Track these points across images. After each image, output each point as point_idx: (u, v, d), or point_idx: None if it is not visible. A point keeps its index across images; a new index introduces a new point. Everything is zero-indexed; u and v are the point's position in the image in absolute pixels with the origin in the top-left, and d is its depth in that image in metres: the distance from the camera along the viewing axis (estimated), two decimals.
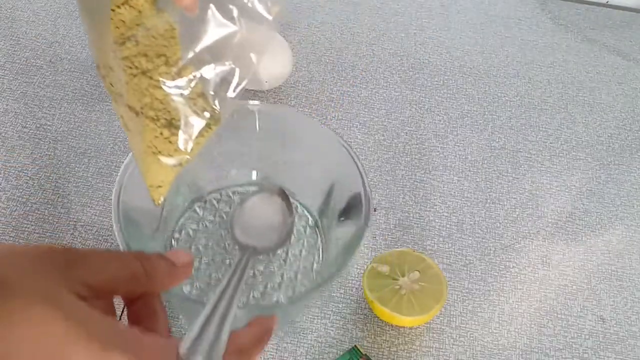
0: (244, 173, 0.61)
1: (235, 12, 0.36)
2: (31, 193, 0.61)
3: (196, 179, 0.58)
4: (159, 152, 0.39)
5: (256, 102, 0.57)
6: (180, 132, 0.38)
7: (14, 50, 0.74)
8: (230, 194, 0.60)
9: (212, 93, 0.38)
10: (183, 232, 0.57)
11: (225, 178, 0.60)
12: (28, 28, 0.76)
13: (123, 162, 0.50)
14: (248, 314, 0.46)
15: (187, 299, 0.45)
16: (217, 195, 0.60)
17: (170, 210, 0.57)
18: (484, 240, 0.62)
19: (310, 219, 0.59)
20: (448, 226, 0.63)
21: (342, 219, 0.54)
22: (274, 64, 0.67)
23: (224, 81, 0.38)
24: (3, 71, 0.71)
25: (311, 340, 0.54)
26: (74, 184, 0.62)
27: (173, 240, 0.57)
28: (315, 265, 0.56)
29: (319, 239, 0.58)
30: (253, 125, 0.57)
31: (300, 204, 0.59)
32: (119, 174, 0.49)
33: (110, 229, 0.59)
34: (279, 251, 0.56)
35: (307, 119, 0.55)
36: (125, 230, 0.46)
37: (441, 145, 0.70)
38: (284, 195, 0.55)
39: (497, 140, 0.71)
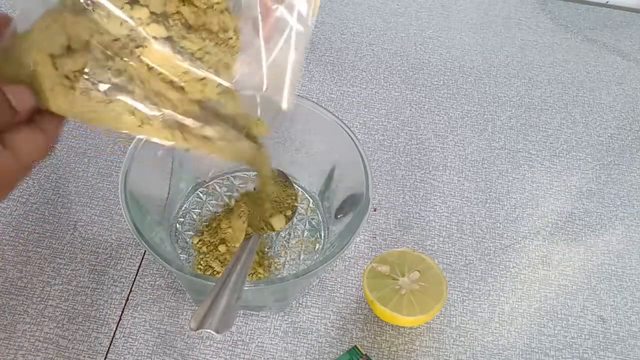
0: None
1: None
2: (31, 193, 0.61)
3: (198, 164, 0.60)
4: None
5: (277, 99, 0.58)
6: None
7: None
8: (232, 179, 0.61)
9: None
10: (187, 216, 0.58)
11: (226, 163, 0.62)
12: None
13: (122, 161, 0.50)
14: (255, 290, 0.48)
15: (195, 276, 0.45)
16: (219, 181, 0.61)
17: (174, 195, 0.58)
18: (484, 240, 0.62)
19: (311, 201, 0.60)
20: (448, 226, 0.63)
21: (343, 199, 0.55)
22: None
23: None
24: None
25: (311, 340, 0.54)
26: (74, 184, 0.62)
27: (178, 225, 0.58)
28: (317, 245, 0.57)
29: (321, 220, 0.59)
30: (254, 111, 0.58)
31: (301, 187, 0.61)
32: (125, 160, 0.50)
33: (111, 228, 0.59)
34: (282, 233, 0.58)
35: (306, 103, 0.55)
36: (132, 214, 0.47)
37: (441, 145, 0.70)
38: (284, 177, 0.58)
39: (497, 140, 0.71)
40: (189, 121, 0.37)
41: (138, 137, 0.43)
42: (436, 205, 0.65)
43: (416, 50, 0.81)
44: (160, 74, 0.36)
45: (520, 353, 0.55)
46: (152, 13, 0.34)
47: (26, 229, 0.59)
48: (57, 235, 0.59)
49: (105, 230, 0.59)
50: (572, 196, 0.67)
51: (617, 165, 0.71)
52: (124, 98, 0.34)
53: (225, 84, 0.38)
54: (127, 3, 0.34)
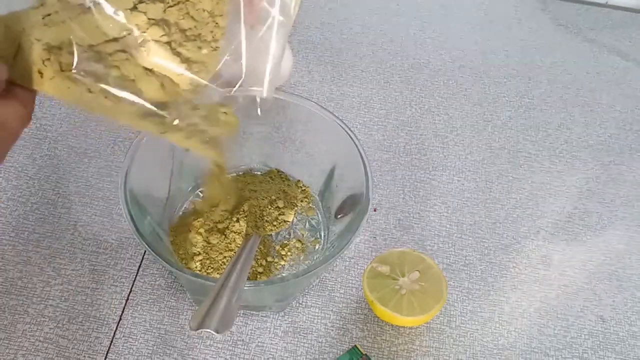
0: (245, 157, 0.62)
1: None
2: (31, 193, 0.61)
3: (199, 164, 0.59)
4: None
5: (258, 88, 0.58)
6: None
7: None
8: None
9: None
10: None
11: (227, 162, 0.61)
12: None
13: (122, 161, 0.50)
14: (255, 290, 0.48)
15: (195, 276, 0.45)
16: None
17: (174, 195, 0.58)
18: (484, 240, 0.62)
19: (311, 201, 0.60)
20: (448, 226, 0.63)
21: (343, 199, 0.55)
22: None
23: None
24: None
25: (311, 340, 0.54)
26: (74, 184, 0.62)
27: None
28: (317, 245, 0.57)
29: (321, 220, 0.59)
30: (254, 111, 0.58)
31: (301, 187, 0.61)
32: (125, 160, 0.50)
33: (111, 228, 0.59)
34: (282, 232, 0.58)
35: (306, 103, 0.55)
36: (132, 214, 0.47)
37: (441, 145, 0.70)
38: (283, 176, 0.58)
39: (497, 140, 0.72)
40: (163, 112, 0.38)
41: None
42: (436, 205, 0.65)
43: (416, 50, 0.81)
44: (151, 70, 0.37)
45: (520, 353, 0.55)
46: (150, 19, 0.35)
47: (26, 229, 0.59)
48: (57, 235, 0.59)
49: (105, 230, 0.59)
50: (572, 196, 0.67)
51: (617, 165, 0.71)
52: (107, 88, 0.36)
53: (203, 82, 0.39)
54: (128, 9, 0.35)
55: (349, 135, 0.54)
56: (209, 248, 0.54)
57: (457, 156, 0.69)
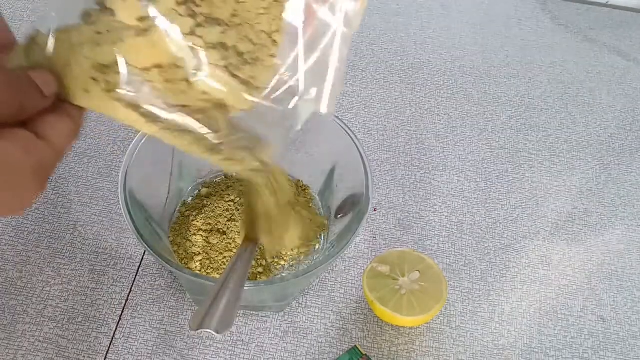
0: None
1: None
2: None
3: (198, 164, 0.59)
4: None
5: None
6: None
7: None
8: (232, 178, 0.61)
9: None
10: None
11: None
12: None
13: (122, 161, 0.50)
14: (255, 290, 0.48)
15: (195, 276, 0.45)
16: (218, 180, 0.61)
17: (174, 195, 0.58)
18: (484, 240, 0.62)
19: (311, 201, 0.60)
20: (448, 226, 0.63)
21: (343, 199, 0.55)
22: None
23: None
24: None
25: (311, 340, 0.54)
26: (74, 184, 0.62)
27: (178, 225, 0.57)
28: (317, 245, 0.57)
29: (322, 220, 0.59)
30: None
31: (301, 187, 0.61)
32: (125, 160, 0.50)
33: (111, 228, 0.59)
34: None
35: None
36: (132, 214, 0.47)
37: (441, 145, 0.70)
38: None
39: (497, 140, 0.71)
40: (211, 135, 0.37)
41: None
42: (436, 205, 0.65)
43: (416, 50, 0.81)
44: (204, 93, 0.36)
45: (520, 353, 0.55)
46: (207, 43, 0.35)
47: (26, 229, 0.59)
48: (57, 235, 0.59)
49: (105, 230, 0.59)
50: (572, 196, 0.67)
51: (617, 165, 0.71)
52: (156, 111, 0.35)
53: (259, 101, 0.38)
54: (185, 33, 0.34)
55: (349, 135, 0.54)
56: (209, 248, 0.54)
57: (457, 156, 0.69)
